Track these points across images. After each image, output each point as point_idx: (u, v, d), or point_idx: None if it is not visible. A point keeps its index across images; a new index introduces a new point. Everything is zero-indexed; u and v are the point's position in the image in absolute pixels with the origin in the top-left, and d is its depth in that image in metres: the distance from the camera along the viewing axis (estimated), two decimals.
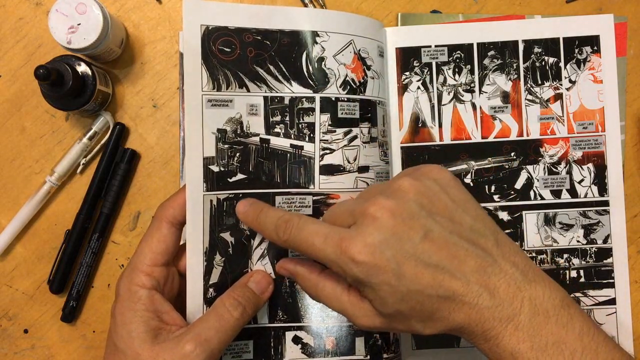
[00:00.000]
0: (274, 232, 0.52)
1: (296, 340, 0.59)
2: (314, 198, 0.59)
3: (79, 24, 0.58)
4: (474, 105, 0.65)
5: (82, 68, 0.61)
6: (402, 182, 0.49)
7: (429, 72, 0.65)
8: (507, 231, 0.65)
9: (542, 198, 0.65)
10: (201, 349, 0.50)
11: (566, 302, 0.47)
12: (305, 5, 0.66)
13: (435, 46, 0.66)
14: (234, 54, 0.59)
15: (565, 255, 0.65)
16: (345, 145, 0.60)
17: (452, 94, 0.65)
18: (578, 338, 0.46)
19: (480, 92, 0.65)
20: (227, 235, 0.58)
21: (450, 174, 0.51)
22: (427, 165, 0.52)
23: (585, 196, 0.65)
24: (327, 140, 0.59)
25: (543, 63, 0.65)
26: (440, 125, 0.65)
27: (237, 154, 0.58)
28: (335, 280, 0.51)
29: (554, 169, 0.65)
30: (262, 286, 0.57)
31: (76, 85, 0.59)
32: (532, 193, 0.65)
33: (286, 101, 0.59)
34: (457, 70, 0.66)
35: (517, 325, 0.45)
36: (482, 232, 0.49)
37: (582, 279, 0.65)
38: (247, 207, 0.56)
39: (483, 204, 0.64)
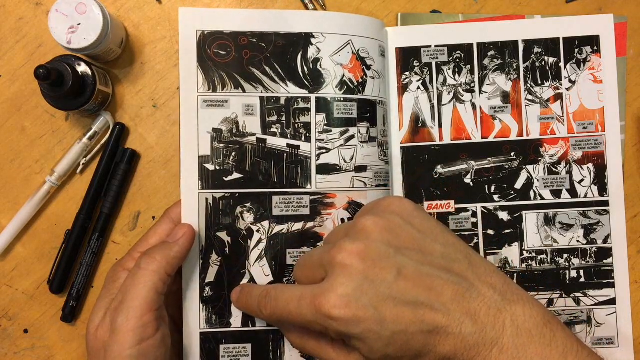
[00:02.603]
0: (259, 310, 0.51)
1: None
2: (311, 197, 0.59)
3: (79, 24, 0.58)
4: (474, 105, 0.65)
5: (82, 68, 0.61)
6: (364, 221, 0.48)
7: (429, 72, 0.65)
8: (507, 231, 0.64)
9: (542, 198, 0.65)
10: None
11: (547, 318, 0.47)
12: (306, 6, 0.66)
13: (435, 46, 0.65)
14: (230, 57, 0.59)
15: (565, 255, 0.64)
16: (341, 145, 0.60)
17: (452, 94, 0.65)
18: (562, 356, 0.45)
19: (480, 92, 0.65)
20: (223, 235, 0.58)
21: (412, 204, 0.50)
22: (386, 197, 0.51)
23: (585, 196, 0.65)
24: (323, 140, 0.59)
25: (543, 63, 0.65)
26: (440, 125, 0.65)
27: (233, 153, 0.59)
28: (318, 333, 0.50)
29: (554, 169, 0.65)
30: (177, 235, 0.55)
31: (76, 85, 0.59)
32: (532, 193, 0.65)
33: (282, 101, 0.59)
34: (457, 70, 0.65)
35: (502, 348, 0.45)
36: (454, 257, 0.48)
37: (582, 279, 0.64)
38: (238, 293, 0.56)
39: (483, 204, 0.64)
